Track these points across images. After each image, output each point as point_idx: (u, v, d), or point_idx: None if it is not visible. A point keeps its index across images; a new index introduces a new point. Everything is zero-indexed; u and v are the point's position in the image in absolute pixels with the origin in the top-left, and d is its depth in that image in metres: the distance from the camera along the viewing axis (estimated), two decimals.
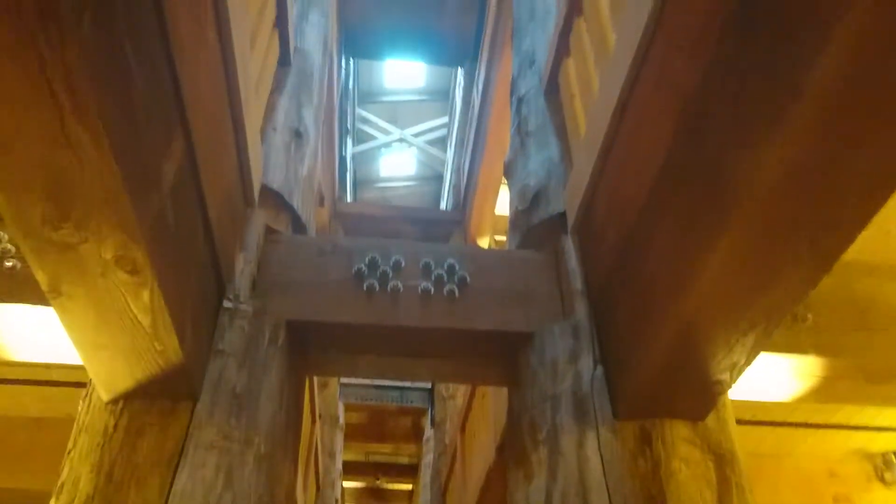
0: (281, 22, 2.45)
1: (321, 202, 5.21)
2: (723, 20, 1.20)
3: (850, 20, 0.92)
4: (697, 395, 1.65)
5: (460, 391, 5.67)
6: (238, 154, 1.86)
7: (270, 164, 2.18)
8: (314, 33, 2.86)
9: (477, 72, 6.94)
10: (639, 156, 1.61)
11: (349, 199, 9.91)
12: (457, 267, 2.04)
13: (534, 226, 2.25)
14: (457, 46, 7.74)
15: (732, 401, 1.84)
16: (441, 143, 11.23)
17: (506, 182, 2.76)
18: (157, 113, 1.23)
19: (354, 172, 10.99)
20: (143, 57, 1.12)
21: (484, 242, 6.69)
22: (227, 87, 1.70)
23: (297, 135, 2.37)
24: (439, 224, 7.51)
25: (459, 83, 9.05)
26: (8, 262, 1.85)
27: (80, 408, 1.73)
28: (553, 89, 2.60)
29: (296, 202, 2.22)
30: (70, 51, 0.88)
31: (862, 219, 1.19)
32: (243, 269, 1.91)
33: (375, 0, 7.36)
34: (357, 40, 7.80)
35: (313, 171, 2.54)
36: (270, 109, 2.34)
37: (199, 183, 1.54)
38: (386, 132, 11.53)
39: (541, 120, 2.53)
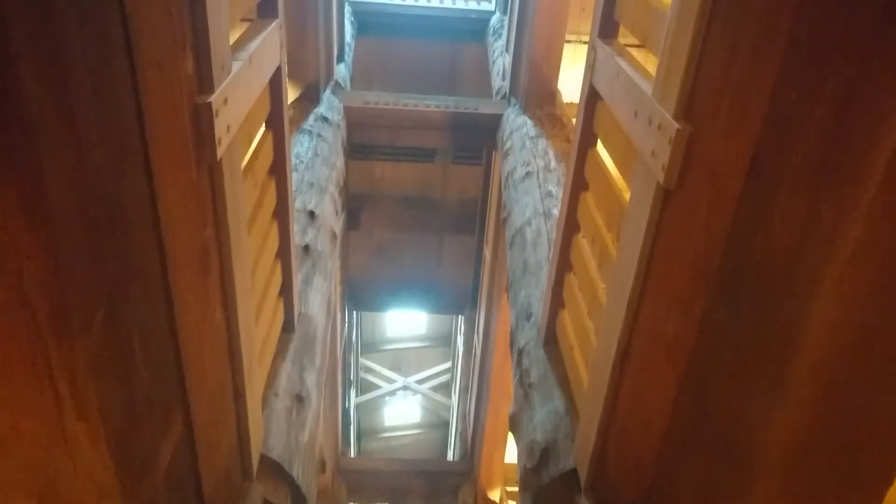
0: (286, 290, 2.56)
1: (322, 468, 5.03)
2: (709, 279, 1.25)
3: (837, 266, 0.93)
4: None
5: None
6: (238, 426, 1.83)
7: (271, 431, 2.13)
8: (318, 297, 2.98)
9: (476, 319, 7.13)
10: (644, 412, 1.58)
11: (353, 450, 9.59)
12: None
13: (545, 485, 2.14)
14: (456, 296, 8.09)
15: None
16: (446, 388, 11.16)
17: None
18: (158, 398, 1.23)
19: (358, 423, 10.78)
20: (150, 347, 1.15)
21: (495, 495, 6.31)
22: (230, 360, 1.72)
23: (299, 399, 2.35)
24: (447, 476, 7.18)
25: (461, 329, 9.25)
26: None
27: None
28: (551, 340, 2.64)
29: (296, 471, 2.13)
30: (79, 353, 0.90)
31: (887, 473, 1.14)
32: None
33: (377, 258, 7.85)
34: (360, 295, 8.16)
35: (315, 436, 2.47)
36: (273, 375, 2.35)
37: (196, 461, 1.49)
38: (390, 380, 11.53)
39: (542, 371, 2.53)
